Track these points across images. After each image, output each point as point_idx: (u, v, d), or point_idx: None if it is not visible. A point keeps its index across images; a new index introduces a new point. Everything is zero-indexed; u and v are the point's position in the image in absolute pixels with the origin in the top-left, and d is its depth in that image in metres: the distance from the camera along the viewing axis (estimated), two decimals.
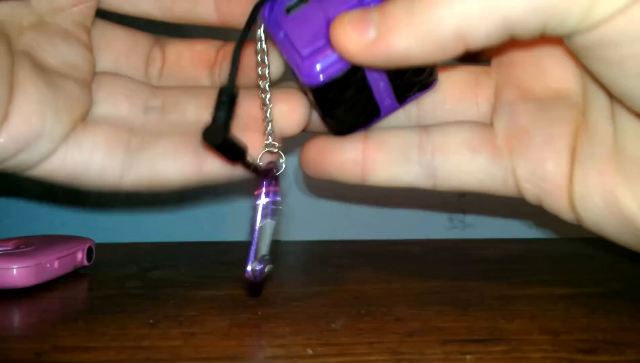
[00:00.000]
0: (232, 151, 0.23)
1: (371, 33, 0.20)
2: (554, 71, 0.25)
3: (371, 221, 0.46)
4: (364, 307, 0.26)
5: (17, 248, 0.30)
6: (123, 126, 0.26)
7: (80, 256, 0.33)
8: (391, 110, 0.27)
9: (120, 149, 0.25)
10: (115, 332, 0.23)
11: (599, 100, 0.23)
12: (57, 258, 0.30)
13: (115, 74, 0.27)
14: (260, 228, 0.25)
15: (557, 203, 0.25)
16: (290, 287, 0.31)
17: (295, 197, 0.45)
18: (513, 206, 0.46)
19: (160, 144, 0.26)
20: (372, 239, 0.44)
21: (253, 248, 0.25)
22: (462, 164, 0.26)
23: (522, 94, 0.26)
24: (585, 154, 0.24)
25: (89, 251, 0.33)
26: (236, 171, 0.26)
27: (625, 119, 0.22)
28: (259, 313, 0.25)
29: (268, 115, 0.26)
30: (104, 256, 0.36)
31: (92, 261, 0.33)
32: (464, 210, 0.46)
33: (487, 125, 0.26)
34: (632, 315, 0.25)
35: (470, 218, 0.46)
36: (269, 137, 0.26)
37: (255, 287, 0.27)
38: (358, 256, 0.39)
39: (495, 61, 0.27)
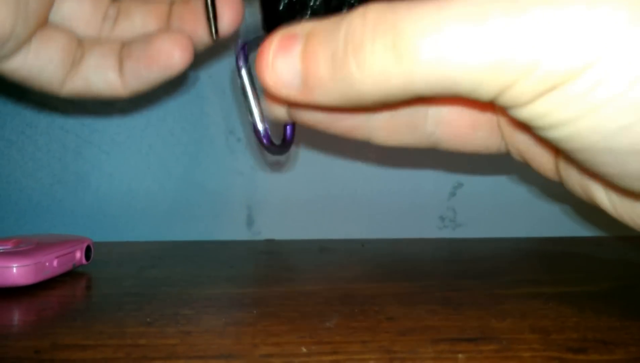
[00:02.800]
0: None
1: (295, 83, 0.19)
2: None
3: (363, 221, 0.46)
4: (357, 306, 0.26)
5: (17, 247, 0.30)
6: (76, 34, 0.28)
7: (78, 255, 0.33)
8: None
9: (68, 62, 0.27)
10: (112, 330, 0.23)
11: None
12: (56, 257, 0.30)
13: None
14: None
15: (543, 170, 0.25)
16: (285, 286, 0.31)
17: (289, 196, 0.46)
18: (504, 205, 0.46)
19: (92, 59, 0.28)
20: (364, 238, 0.44)
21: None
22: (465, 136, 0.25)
23: None
24: None
25: (88, 250, 0.33)
26: (154, 78, 0.28)
27: None
28: (254, 312, 0.26)
29: None
30: (102, 255, 0.36)
31: (90, 260, 0.34)
32: (455, 210, 0.47)
33: None
34: (622, 314, 0.25)
35: (461, 218, 0.47)
36: None
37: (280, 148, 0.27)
38: (351, 256, 0.39)
39: None
